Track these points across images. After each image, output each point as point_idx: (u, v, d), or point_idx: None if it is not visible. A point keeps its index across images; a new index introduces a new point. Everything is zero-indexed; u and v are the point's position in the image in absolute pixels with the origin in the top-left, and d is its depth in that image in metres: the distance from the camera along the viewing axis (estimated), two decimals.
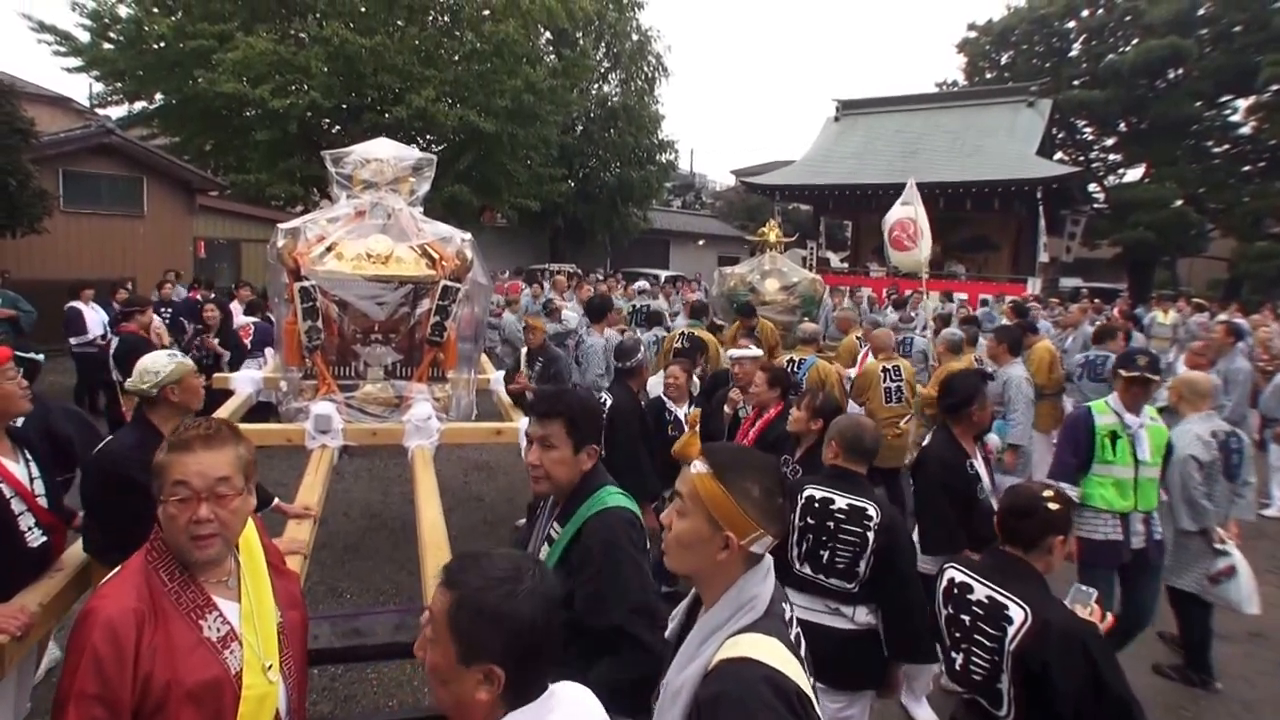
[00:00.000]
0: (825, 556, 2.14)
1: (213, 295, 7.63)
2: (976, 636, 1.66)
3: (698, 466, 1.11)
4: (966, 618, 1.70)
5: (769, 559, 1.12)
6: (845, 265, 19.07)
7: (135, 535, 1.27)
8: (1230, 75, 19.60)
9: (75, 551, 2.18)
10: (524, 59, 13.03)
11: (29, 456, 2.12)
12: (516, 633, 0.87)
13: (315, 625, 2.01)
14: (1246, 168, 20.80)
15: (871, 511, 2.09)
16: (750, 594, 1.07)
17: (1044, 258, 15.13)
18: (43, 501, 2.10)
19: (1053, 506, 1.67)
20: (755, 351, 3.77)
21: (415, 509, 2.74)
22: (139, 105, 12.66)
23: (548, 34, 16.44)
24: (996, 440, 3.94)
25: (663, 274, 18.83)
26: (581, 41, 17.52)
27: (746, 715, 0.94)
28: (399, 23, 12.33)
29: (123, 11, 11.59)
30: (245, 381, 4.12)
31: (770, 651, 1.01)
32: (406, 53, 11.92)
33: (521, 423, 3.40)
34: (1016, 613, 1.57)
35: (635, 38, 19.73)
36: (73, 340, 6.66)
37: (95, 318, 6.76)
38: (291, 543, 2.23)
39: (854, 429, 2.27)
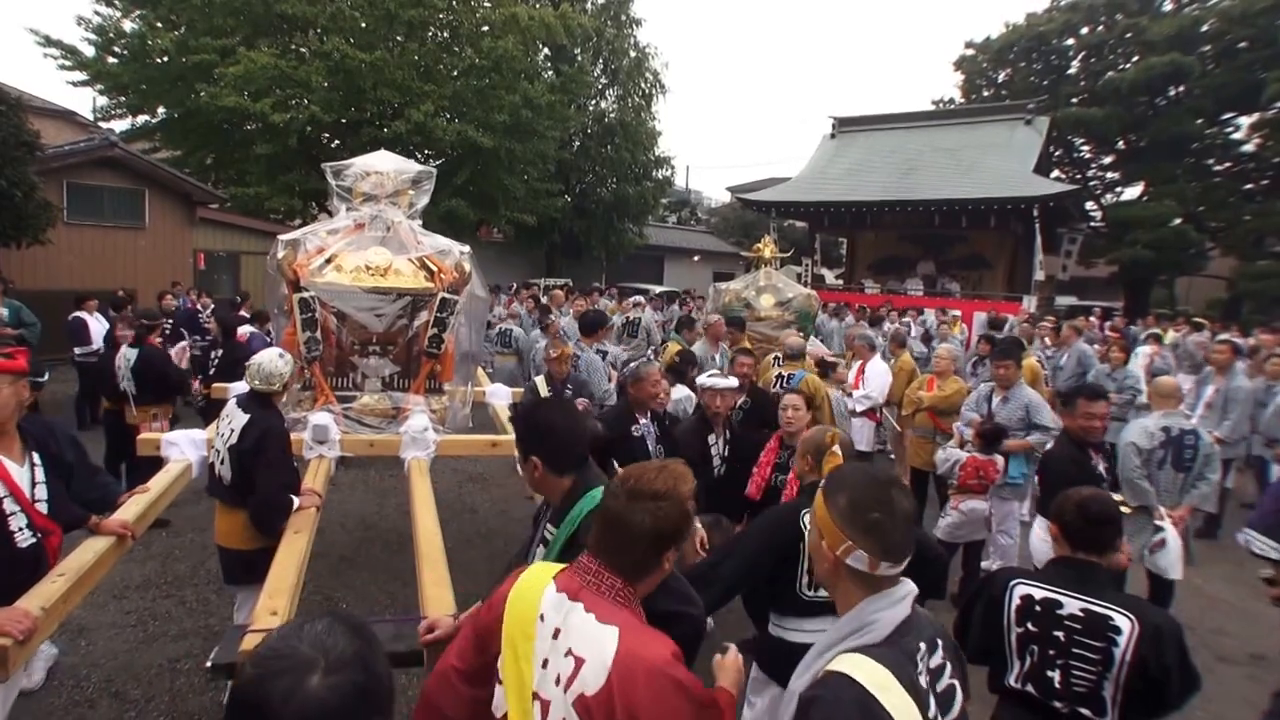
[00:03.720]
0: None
1: (212, 306, 7.68)
2: (1077, 651, 1.66)
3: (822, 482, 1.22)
4: (1060, 634, 1.69)
5: (905, 588, 1.13)
6: (840, 282, 19.17)
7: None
8: (1234, 92, 19.44)
9: (76, 556, 2.19)
10: (522, 75, 13.21)
11: (36, 460, 2.18)
12: None
13: None
14: (1248, 185, 20.64)
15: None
16: (869, 617, 1.09)
17: (1040, 276, 15.20)
18: (42, 506, 2.14)
19: (1125, 511, 1.75)
20: (730, 382, 3.40)
21: (412, 520, 2.76)
22: (142, 119, 12.81)
23: (546, 50, 16.67)
24: (1003, 465, 3.95)
25: (657, 289, 18.94)
26: (580, 58, 17.75)
27: None
28: (399, 38, 12.51)
29: (127, 26, 11.76)
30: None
31: (872, 676, 1.01)
32: (406, 68, 12.08)
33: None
34: (1123, 623, 1.60)
35: (633, 54, 19.98)
36: (77, 350, 6.79)
37: (99, 329, 6.85)
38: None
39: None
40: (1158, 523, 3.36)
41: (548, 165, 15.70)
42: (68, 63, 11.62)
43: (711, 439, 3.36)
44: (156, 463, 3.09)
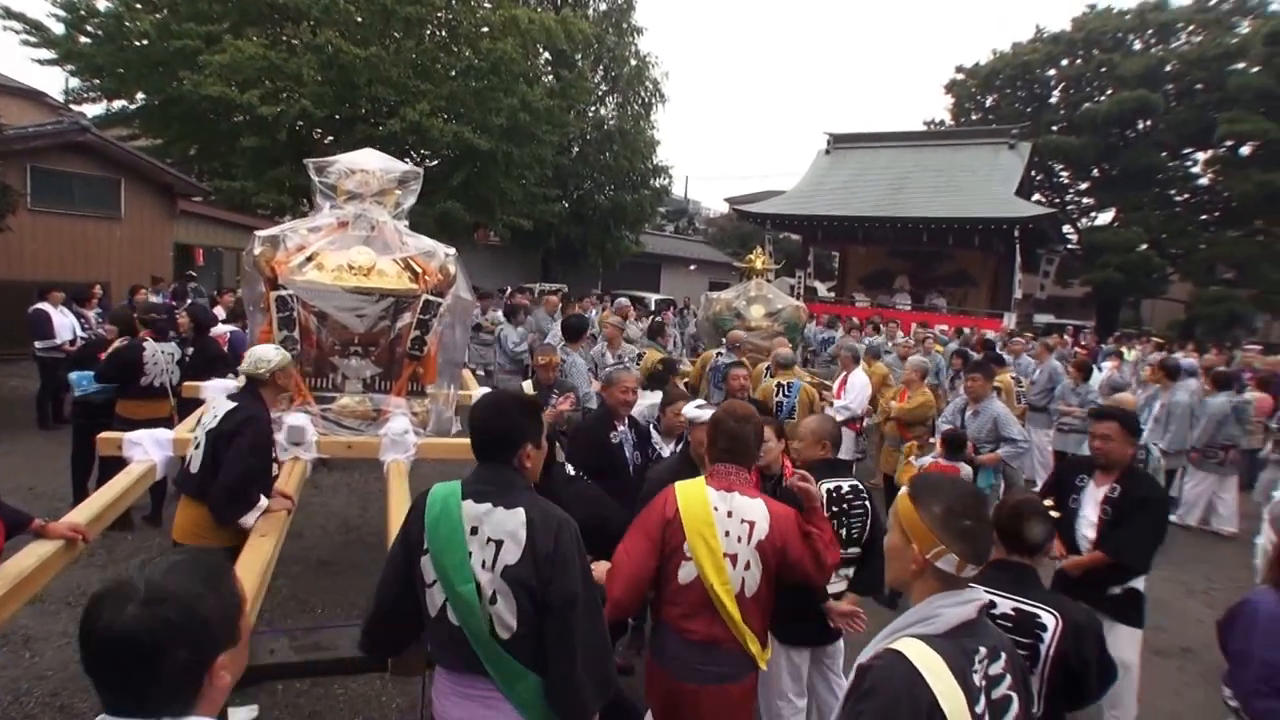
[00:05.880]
0: None
1: (189, 301, 7.47)
2: None
3: (904, 489, 1.30)
4: None
5: (975, 594, 1.21)
6: (832, 295, 19.37)
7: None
8: (1192, 129, 20.83)
9: (15, 562, 2.08)
10: (521, 78, 13.14)
11: None
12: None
13: (273, 638, 1.94)
14: (1204, 216, 22.02)
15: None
16: (934, 610, 1.18)
17: (1019, 294, 15.53)
18: None
19: (1054, 515, 1.83)
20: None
21: (387, 523, 2.69)
22: (118, 104, 12.20)
23: (546, 54, 16.64)
24: (968, 473, 3.98)
25: (653, 297, 18.95)
26: (580, 64, 17.76)
27: (874, 690, 1.10)
28: (395, 35, 12.33)
29: (101, 4, 11.06)
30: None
31: (925, 660, 1.10)
32: (402, 66, 11.92)
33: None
34: (1048, 620, 1.69)
35: (634, 63, 20.04)
36: (38, 344, 6.41)
37: (64, 322, 6.55)
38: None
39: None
40: None
41: (545, 170, 15.61)
42: (32, 39, 10.86)
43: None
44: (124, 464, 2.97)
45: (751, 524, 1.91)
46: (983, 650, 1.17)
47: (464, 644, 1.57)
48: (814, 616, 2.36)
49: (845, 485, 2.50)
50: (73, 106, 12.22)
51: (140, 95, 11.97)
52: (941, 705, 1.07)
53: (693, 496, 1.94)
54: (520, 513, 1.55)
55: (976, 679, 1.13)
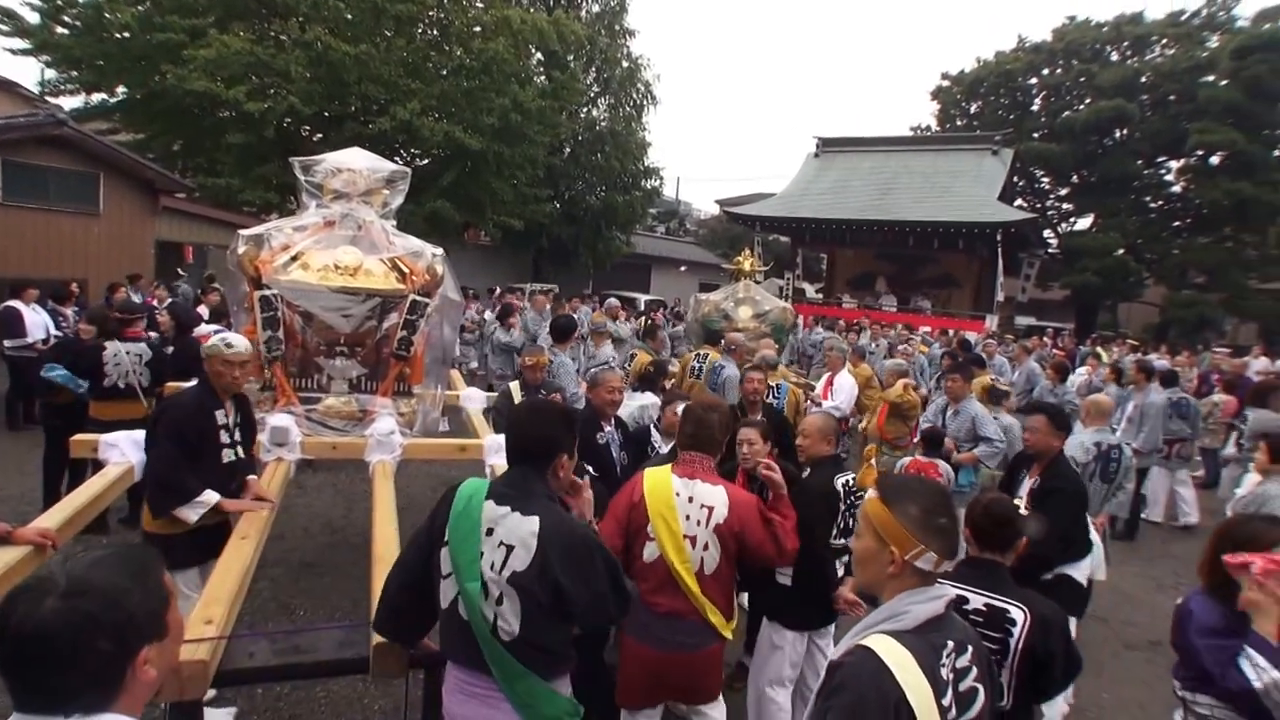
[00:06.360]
0: None
1: (169, 300, 7.34)
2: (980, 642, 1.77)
3: (870, 493, 1.29)
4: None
5: (941, 589, 1.25)
6: (820, 296, 19.53)
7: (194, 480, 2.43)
8: (1166, 139, 21.44)
9: None
10: (513, 78, 13.08)
11: None
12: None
13: (252, 642, 1.92)
14: (1176, 223, 22.67)
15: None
16: (904, 607, 1.20)
17: (1001, 296, 15.79)
18: None
19: (1024, 513, 1.87)
20: None
21: (371, 524, 2.69)
22: (98, 97, 11.91)
23: (539, 55, 16.59)
24: (947, 470, 4.04)
25: (643, 298, 18.98)
26: (572, 65, 17.71)
27: (846, 686, 1.12)
28: (386, 33, 12.22)
29: None
30: None
31: (894, 655, 1.13)
32: (393, 64, 11.81)
33: (487, 440, 3.35)
34: (1017, 614, 1.74)
35: (626, 64, 20.06)
36: (8, 342, 6.18)
37: (36, 320, 6.31)
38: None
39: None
40: None
41: (537, 170, 15.57)
42: (4, 28, 10.60)
43: None
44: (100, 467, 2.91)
45: (710, 509, 2.10)
46: (950, 644, 1.20)
47: (471, 638, 1.60)
48: (822, 601, 2.49)
49: (853, 479, 2.65)
50: (49, 99, 11.82)
51: (121, 89, 11.73)
52: (909, 699, 1.09)
53: (658, 482, 2.15)
54: (534, 521, 1.57)
55: (944, 672, 1.16)
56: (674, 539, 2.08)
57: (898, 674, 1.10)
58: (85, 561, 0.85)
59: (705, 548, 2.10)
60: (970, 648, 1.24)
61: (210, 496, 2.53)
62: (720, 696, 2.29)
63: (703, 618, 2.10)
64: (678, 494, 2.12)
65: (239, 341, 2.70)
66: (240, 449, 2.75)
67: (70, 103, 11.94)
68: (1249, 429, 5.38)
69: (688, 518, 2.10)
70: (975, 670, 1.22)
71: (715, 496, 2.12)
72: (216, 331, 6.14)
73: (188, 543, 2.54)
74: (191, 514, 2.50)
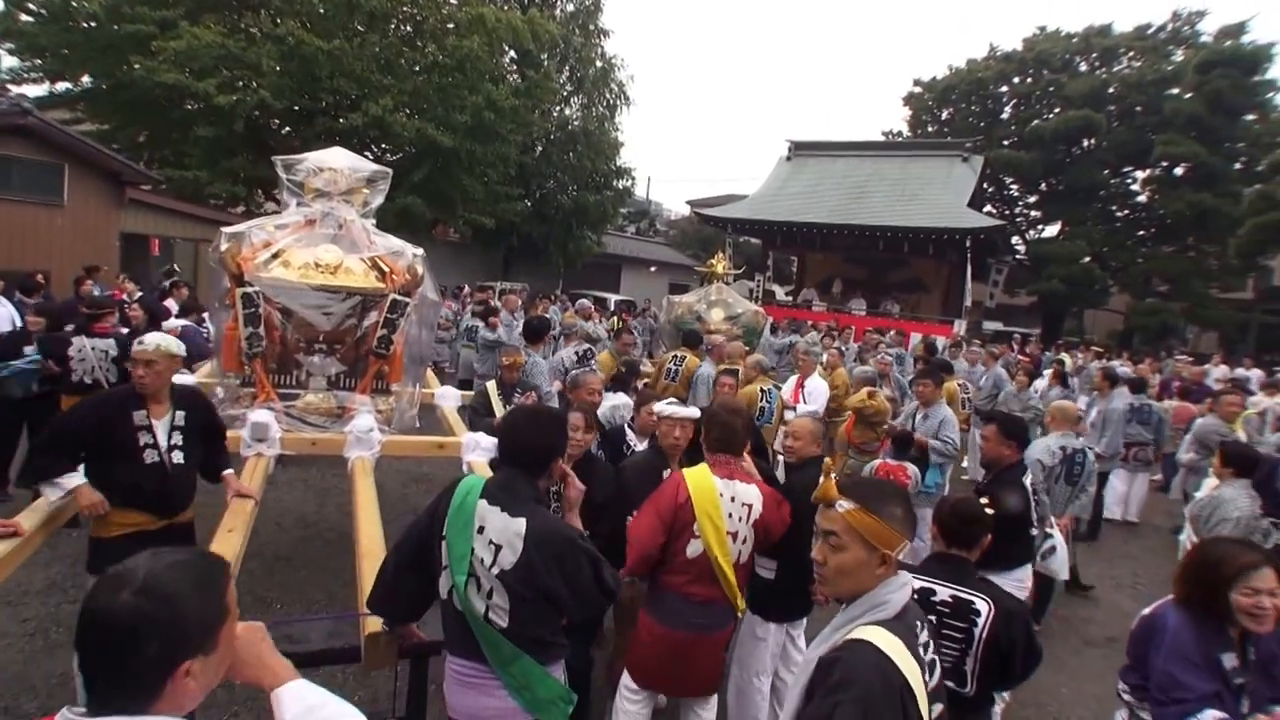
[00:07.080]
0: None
1: (139, 294, 7.20)
2: (946, 631, 1.88)
3: (844, 505, 1.31)
4: (932, 617, 1.89)
5: (906, 576, 1.33)
6: (790, 298, 19.83)
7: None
8: (1131, 150, 22.14)
9: None
10: (486, 76, 13.10)
11: None
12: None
13: None
14: (1141, 232, 23.42)
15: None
16: (883, 597, 1.27)
17: (969, 301, 16.23)
18: None
19: (990, 512, 1.98)
20: (692, 412, 2.80)
21: (354, 518, 2.74)
22: (62, 86, 11.67)
23: (512, 53, 16.59)
24: (914, 472, 4.22)
25: (613, 298, 19.05)
26: (546, 63, 17.74)
27: (853, 679, 1.15)
28: (359, 28, 12.13)
29: None
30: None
31: (890, 645, 1.19)
32: (365, 59, 11.73)
33: (465, 437, 3.44)
34: (982, 606, 1.84)
35: (599, 64, 20.12)
36: None
37: (2, 313, 6.23)
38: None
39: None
40: (1049, 530, 3.71)
41: (508, 168, 15.55)
42: None
43: (667, 474, 2.71)
44: None
45: (749, 506, 2.30)
46: (918, 624, 1.30)
47: (466, 626, 1.70)
48: (801, 594, 2.59)
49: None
50: (11, 87, 11.52)
51: (86, 78, 11.48)
52: (910, 684, 1.17)
53: (702, 484, 2.28)
54: (521, 523, 1.67)
55: (921, 651, 1.25)
56: (719, 535, 2.23)
57: (897, 661, 1.17)
58: (166, 560, 0.86)
59: (744, 541, 2.29)
60: (922, 623, 1.34)
61: (70, 480, 2.40)
62: (714, 697, 2.41)
63: (731, 602, 2.29)
64: (721, 494, 2.26)
65: (149, 339, 2.55)
66: (180, 454, 2.57)
67: (34, 91, 11.65)
68: (1189, 436, 5.62)
69: (730, 515, 2.26)
70: (931, 644, 1.33)
71: (752, 494, 2.31)
72: (189, 327, 6.11)
73: (129, 549, 2.46)
74: (51, 494, 2.39)
